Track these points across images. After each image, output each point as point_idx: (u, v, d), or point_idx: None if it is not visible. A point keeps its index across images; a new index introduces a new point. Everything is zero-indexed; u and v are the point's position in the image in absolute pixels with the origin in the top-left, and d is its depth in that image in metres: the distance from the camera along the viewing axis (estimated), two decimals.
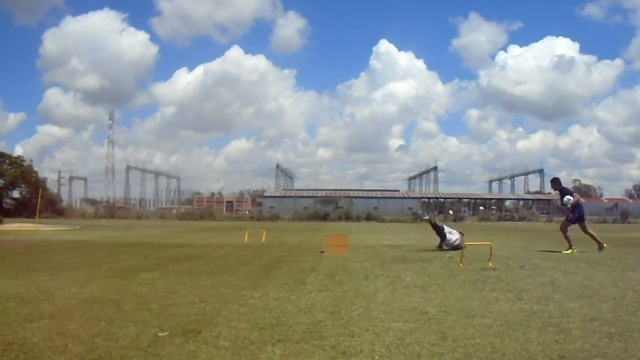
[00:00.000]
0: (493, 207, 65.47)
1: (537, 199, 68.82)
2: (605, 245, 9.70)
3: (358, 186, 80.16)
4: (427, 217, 10.26)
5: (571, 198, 9.95)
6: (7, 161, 44.77)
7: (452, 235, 10.04)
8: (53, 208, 43.35)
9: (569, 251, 9.47)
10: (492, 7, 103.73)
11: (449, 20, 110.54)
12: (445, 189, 74.33)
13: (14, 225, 20.67)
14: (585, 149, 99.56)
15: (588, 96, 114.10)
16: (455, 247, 9.66)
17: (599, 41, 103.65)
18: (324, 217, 42.39)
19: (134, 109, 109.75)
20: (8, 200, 44.45)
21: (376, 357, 2.89)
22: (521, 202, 69.16)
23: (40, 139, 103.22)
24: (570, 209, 9.99)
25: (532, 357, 2.90)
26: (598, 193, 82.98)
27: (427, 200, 69.36)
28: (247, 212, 59.23)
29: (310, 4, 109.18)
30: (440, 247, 9.94)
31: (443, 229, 10.18)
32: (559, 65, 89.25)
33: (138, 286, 5.21)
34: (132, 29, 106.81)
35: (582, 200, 10.35)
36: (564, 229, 10.00)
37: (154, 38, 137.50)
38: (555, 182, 10.45)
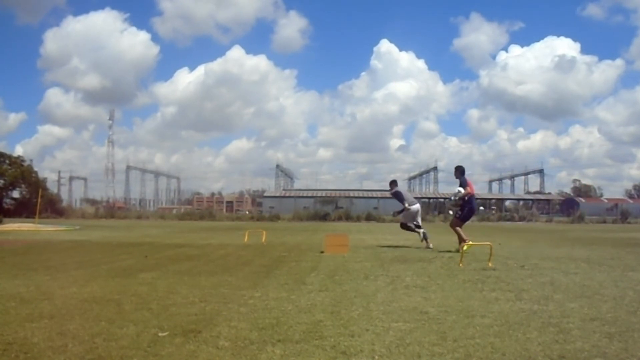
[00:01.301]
0: (493, 207, 65.42)
1: (537, 199, 68.83)
2: (465, 247, 8.51)
3: (358, 186, 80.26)
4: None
5: (462, 190, 9.34)
6: (7, 161, 44.73)
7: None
8: (53, 208, 43.27)
9: (465, 247, 8.95)
10: (494, 7, 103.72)
11: (450, 21, 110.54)
12: (446, 189, 74.23)
13: (14, 225, 20.65)
14: (585, 149, 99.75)
15: (589, 96, 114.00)
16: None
17: (600, 41, 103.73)
18: (324, 217, 42.35)
19: (134, 108, 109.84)
20: (8, 200, 44.41)
21: (376, 357, 2.89)
22: (521, 202, 69.16)
23: (40, 139, 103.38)
24: (460, 204, 9.43)
25: (532, 357, 2.90)
26: (598, 193, 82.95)
27: (427, 200, 69.32)
28: (247, 212, 59.15)
29: (311, 4, 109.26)
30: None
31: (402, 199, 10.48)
32: (560, 66, 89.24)
33: (138, 286, 5.21)
34: (134, 28, 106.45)
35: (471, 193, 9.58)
36: (453, 227, 9.50)
37: (155, 38, 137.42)
38: (458, 170, 9.75)
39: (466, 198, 9.50)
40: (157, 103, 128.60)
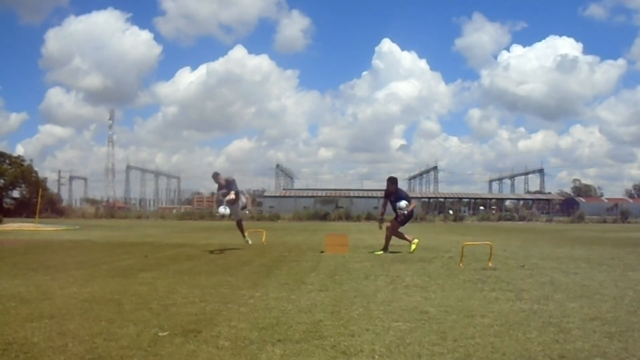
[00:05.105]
0: (493, 207, 65.43)
1: (537, 199, 68.83)
2: (415, 241, 9.34)
3: (358, 186, 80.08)
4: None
5: (408, 204, 9.35)
6: (7, 161, 44.72)
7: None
8: (53, 208, 43.21)
9: (414, 245, 9.23)
10: (496, 7, 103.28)
11: (453, 20, 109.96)
12: (446, 189, 74.30)
13: (14, 225, 20.64)
14: (586, 148, 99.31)
15: (590, 96, 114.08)
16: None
17: (602, 41, 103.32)
18: (324, 217, 42.33)
19: (136, 108, 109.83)
20: (8, 200, 44.37)
21: (376, 357, 2.89)
22: (521, 202, 69.15)
23: (41, 139, 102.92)
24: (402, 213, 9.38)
25: (532, 357, 2.90)
26: (598, 193, 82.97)
27: (427, 200, 69.37)
28: (247, 212, 59.15)
29: (314, 3, 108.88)
30: None
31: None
32: (561, 65, 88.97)
33: (138, 286, 5.22)
34: (136, 28, 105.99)
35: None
36: (394, 231, 9.46)
37: (157, 37, 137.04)
38: (393, 183, 9.60)
39: (411, 210, 9.56)
40: (159, 103, 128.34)
